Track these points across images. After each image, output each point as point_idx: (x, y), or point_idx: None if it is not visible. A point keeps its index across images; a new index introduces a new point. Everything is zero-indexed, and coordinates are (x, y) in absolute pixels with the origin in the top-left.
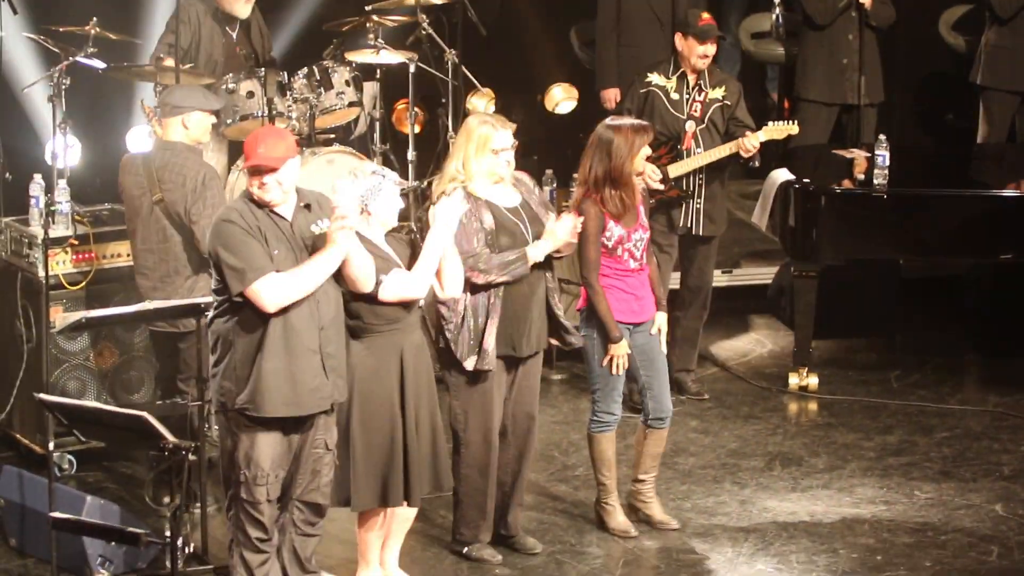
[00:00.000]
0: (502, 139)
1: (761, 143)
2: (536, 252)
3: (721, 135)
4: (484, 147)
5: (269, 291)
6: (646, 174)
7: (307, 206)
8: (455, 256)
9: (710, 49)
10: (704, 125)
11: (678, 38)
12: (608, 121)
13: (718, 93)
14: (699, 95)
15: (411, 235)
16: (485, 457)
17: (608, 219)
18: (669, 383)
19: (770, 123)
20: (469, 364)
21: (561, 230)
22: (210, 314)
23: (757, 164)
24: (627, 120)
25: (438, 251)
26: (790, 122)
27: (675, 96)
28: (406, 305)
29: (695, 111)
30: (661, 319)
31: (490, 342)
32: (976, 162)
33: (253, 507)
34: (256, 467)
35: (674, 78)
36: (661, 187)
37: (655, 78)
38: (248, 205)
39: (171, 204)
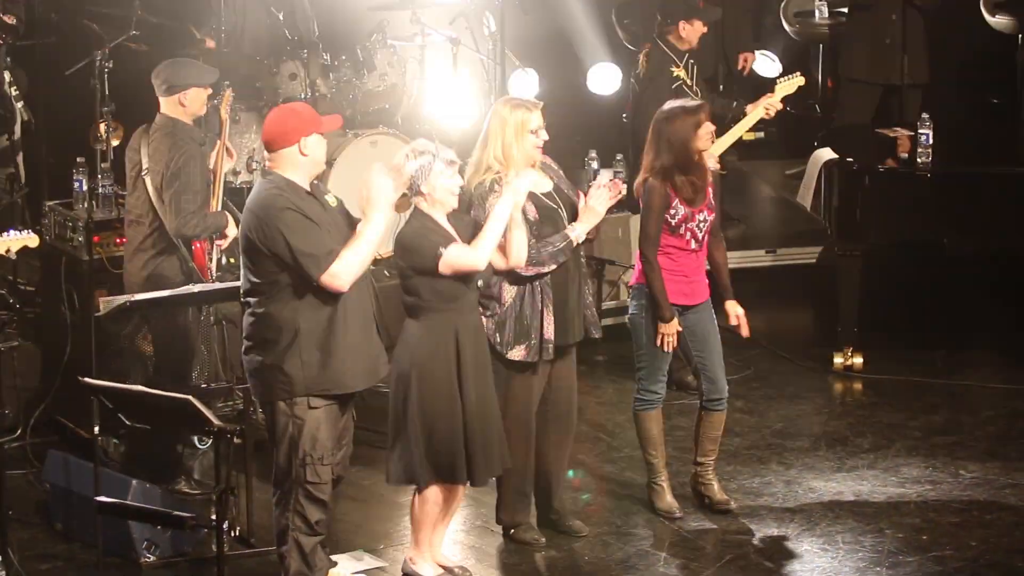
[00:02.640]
0: (538, 119)
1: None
2: (578, 233)
3: (704, 93)
4: (523, 130)
5: (342, 271)
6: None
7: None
8: (522, 225)
9: (706, 28)
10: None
11: (683, 26)
12: (661, 111)
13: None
14: (695, 74)
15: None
16: (524, 443)
17: (674, 197)
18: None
19: (779, 80)
20: (516, 354)
21: (597, 205)
22: (252, 303)
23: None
24: (678, 103)
25: (501, 225)
26: (794, 75)
27: (690, 81)
28: (465, 283)
29: (698, 89)
30: (735, 307)
31: (550, 331)
32: None
33: (317, 488)
34: (322, 447)
35: (682, 67)
36: (718, 168)
37: (678, 72)
38: (290, 187)
39: (152, 180)
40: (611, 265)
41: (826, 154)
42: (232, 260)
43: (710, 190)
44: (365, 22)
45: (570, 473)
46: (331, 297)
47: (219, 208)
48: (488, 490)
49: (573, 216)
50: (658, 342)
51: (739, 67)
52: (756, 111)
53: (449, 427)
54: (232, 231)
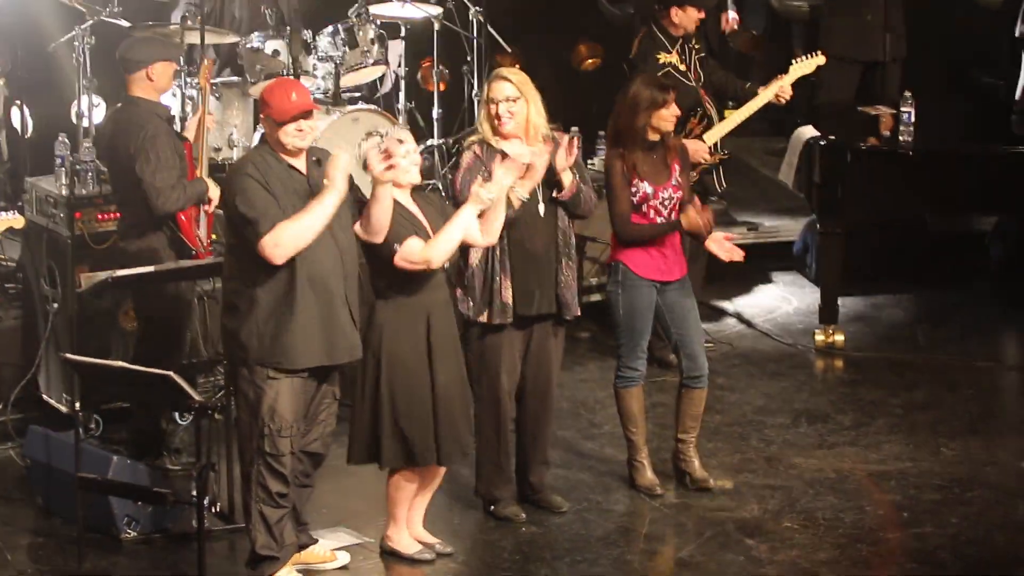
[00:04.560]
0: (495, 89)
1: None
2: (485, 192)
3: (711, 85)
4: (485, 98)
5: (273, 240)
6: (698, 153)
7: (317, 161)
8: (502, 205)
9: (701, 15)
10: (702, 82)
11: (675, 12)
12: (624, 91)
13: (696, 46)
14: (692, 58)
15: (440, 195)
16: (496, 414)
17: (634, 175)
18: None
19: (794, 61)
20: (482, 317)
21: (512, 151)
22: (226, 268)
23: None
24: (649, 78)
25: (459, 231)
26: (814, 54)
27: (683, 67)
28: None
29: (697, 74)
30: (715, 240)
31: (507, 296)
32: (1018, 116)
33: (276, 460)
34: (281, 419)
35: (674, 50)
36: (708, 158)
37: (664, 58)
38: (268, 157)
39: (126, 159)
40: (592, 242)
41: (808, 132)
42: (215, 236)
43: (676, 167)
44: None
45: None
46: (287, 269)
47: (204, 174)
48: (469, 466)
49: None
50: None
51: (721, 29)
52: (762, 96)
53: (418, 409)
54: (215, 194)
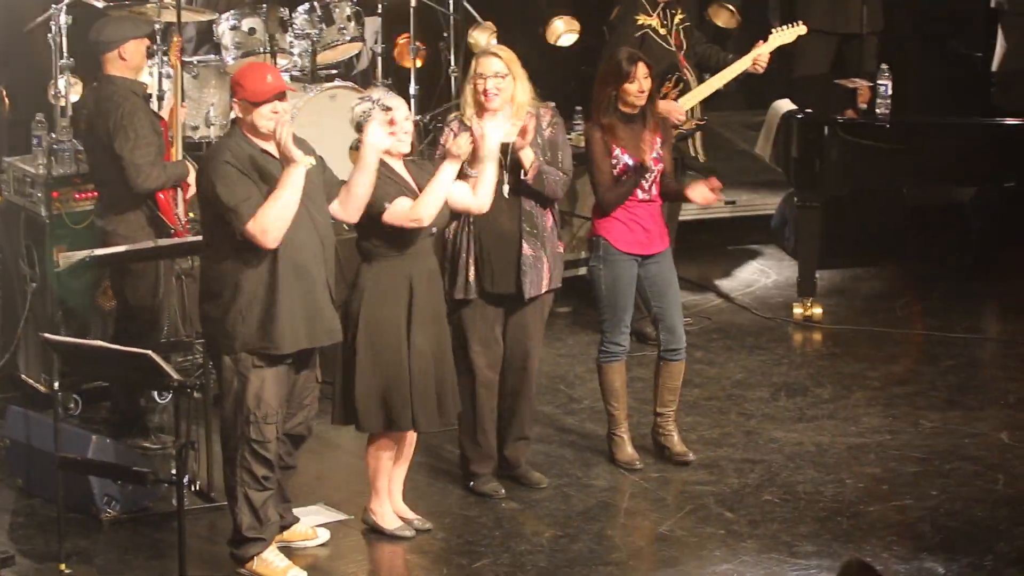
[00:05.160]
0: (482, 65)
1: (772, 52)
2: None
3: (695, 56)
4: (471, 74)
5: (260, 223)
6: (672, 112)
7: None
8: (493, 168)
9: None
10: (684, 50)
11: None
12: (603, 59)
13: (679, 16)
14: (674, 23)
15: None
16: (471, 389)
17: (614, 146)
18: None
19: (775, 29)
20: (457, 293)
21: (477, 129)
22: (204, 255)
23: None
24: (622, 51)
25: (443, 188)
26: (795, 23)
27: (663, 31)
28: (416, 231)
29: (677, 41)
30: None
31: (471, 273)
32: (999, 87)
33: (262, 446)
34: (266, 406)
35: (655, 14)
36: (682, 119)
37: (644, 20)
38: (241, 143)
39: (104, 137)
40: (574, 217)
41: (785, 105)
42: (192, 215)
43: (658, 140)
44: None
45: None
46: (269, 255)
47: (179, 156)
48: (449, 441)
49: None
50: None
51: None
52: (740, 62)
53: (395, 374)
54: (193, 179)
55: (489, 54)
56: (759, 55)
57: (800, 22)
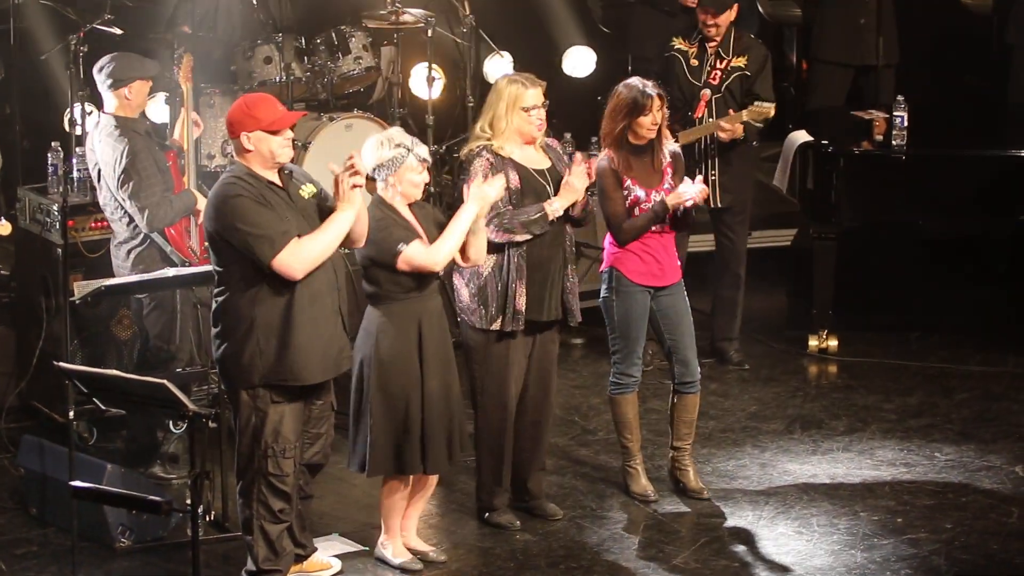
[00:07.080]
0: (532, 97)
1: (742, 123)
2: (555, 207)
3: (739, 105)
4: (514, 105)
5: (296, 257)
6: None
7: (289, 173)
8: (483, 231)
9: (709, 19)
10: (721, 94)
11: (698, 8)
12: (618, 86)
13: (740, 62)
14: (719, 63)
15: (436, 207)
16: (501, 423)
17: (625, 178)
18: (696, 350)
19: (755, 103)
20: (497, 325)
21: (576, 181)
22: (216, 292)
23: (755, 143)
24: (635, 82)
25: (463, 229)
26: (765, 104)
27: (695, 63)
28: (425, 274)
29: (713, 79)
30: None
31: (521, 303)
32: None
33: (280, 480)
34: (284, 440)
35: (695, 44)
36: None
37: (678, 43)
38: (247, 177)
39: (108, 183)
40: (587, 248)
41: (801, 136)
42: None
43: (668, 171)
44: (339, 5)
45: None
46: (286, 287)
47: (191, 182)
48: (464, 474)
49: None
50: (693, 199)
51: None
52: (709, 124)
53: (407, 420)
54: (203, 205)
55: (533, 84)
56: (728, 123)
57: (773, 103)
